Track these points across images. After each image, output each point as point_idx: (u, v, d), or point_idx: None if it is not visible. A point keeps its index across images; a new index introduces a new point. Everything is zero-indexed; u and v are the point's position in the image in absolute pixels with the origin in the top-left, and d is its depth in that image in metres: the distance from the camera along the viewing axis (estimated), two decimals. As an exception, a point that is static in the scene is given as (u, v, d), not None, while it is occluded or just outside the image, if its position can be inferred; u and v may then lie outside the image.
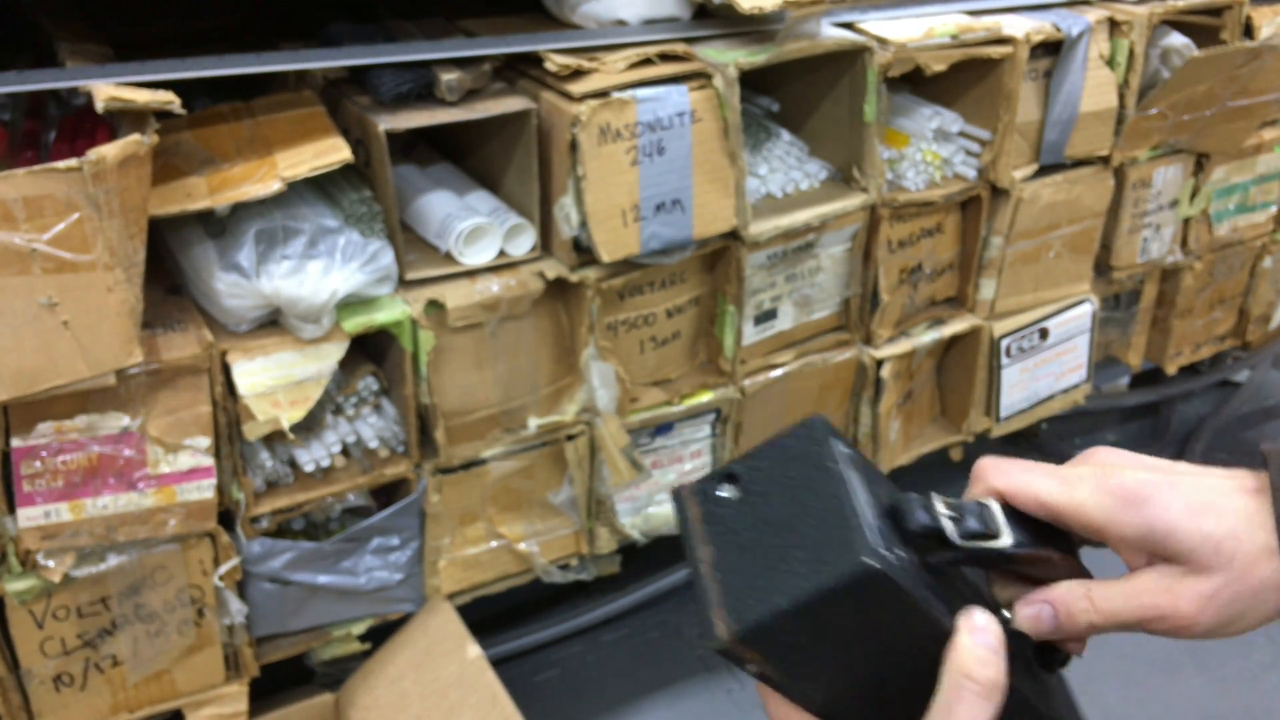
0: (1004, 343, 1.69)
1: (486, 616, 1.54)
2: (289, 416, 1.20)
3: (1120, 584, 0.56)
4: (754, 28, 1.38)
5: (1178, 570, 0.54)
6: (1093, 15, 1.54)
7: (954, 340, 1.68)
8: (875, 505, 0.53)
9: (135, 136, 1.03)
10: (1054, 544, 0.57)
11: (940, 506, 0.54)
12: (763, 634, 0.50)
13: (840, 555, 0.49)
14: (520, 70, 1.34)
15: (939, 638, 0.52)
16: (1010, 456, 0.59)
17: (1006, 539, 0.55)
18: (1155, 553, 0.55)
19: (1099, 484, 0.55)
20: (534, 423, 1.39)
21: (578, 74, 1.27)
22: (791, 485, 0.53)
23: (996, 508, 0.56)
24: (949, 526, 0.53)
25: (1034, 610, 0.57)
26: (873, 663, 0.53)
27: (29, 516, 1.14)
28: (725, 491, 0.54)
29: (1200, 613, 0.53)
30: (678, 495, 0.56)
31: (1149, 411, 2.27)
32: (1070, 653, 0.59)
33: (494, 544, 1.46)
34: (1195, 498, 0.53)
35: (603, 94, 1.24)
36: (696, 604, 0.52)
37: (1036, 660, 0.59)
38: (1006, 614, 0.57)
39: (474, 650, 1.34)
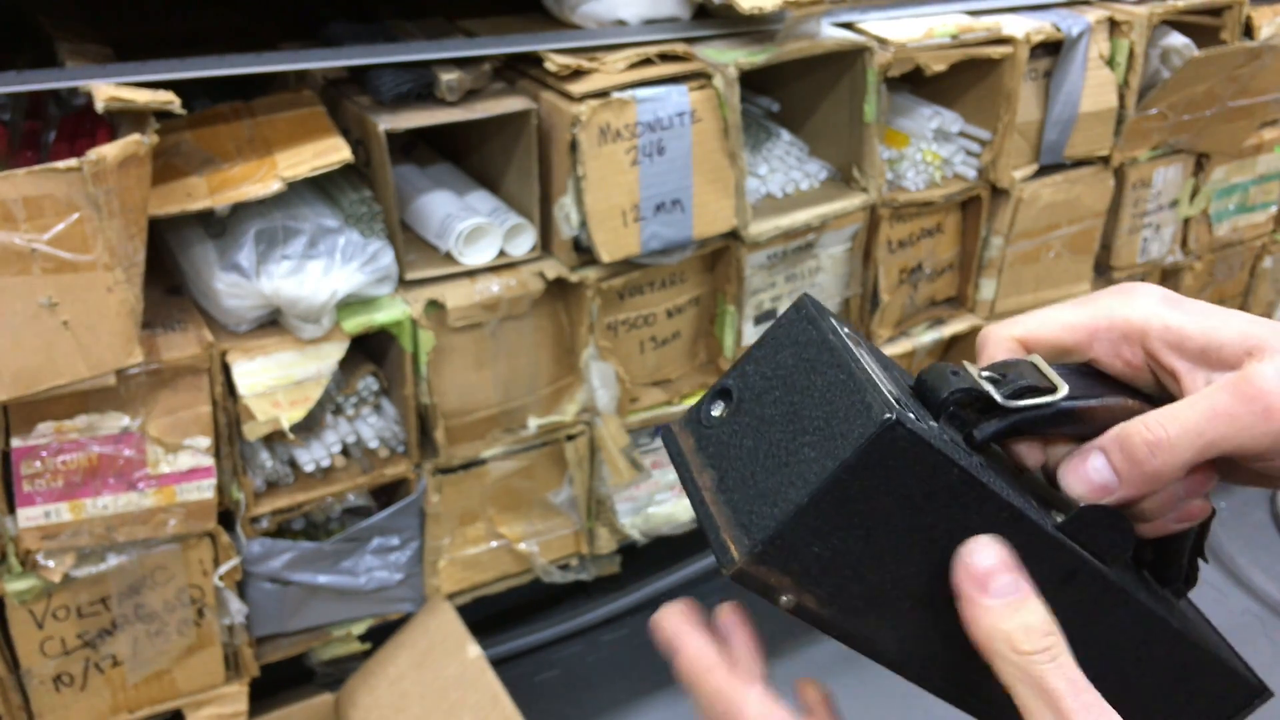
0: (1004, 343, 1.69)
1: (486, 616, 1.54)
2: (289, 416, 1.20)
3: (1183, 400, 0.44)
4: (754, 28, 1.38)
5: (1241, 366, 0.43)
6: (1093, 15, 1.54)
7: (954, 340, 1.68)
8: (895, 380, 0.44)
9: (135, 136, 1.03)
10: (1122, 390, 0.46)
11: (974, 371, 0.45)
12: (783, 544, 0.41)
13: (855, 425, 0.40)
14: (520, 70, 1.34)
15: (1006, 516, 0.42)
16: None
17: (1063, 389, 0.44)
18: (1202, 358, 0.44)
19: (1127, 291, 0.47)
20: (534, 423, 1.39)
21: (578, 74, 1.27)
22: (789, 375, 0.44)
23: (1040, 360, 0.45)
24: (990, 388, 0.44)
25: (1084, 466, 0.44)
26: (933, 569, 0.42)
27: (29, 516, 1.14)
28: (717, 410, 0.46)
29: None
30: (669, 434, 0.48)
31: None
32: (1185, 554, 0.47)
33: (494, 544, 1.46)
34: (1230, 313, 0.45)
35: (603, 94, 1.24)
36: (708, 538, 0.43)
37: (1152, 571, 0.48)
38: (1058, 517, 0.44)
39: (474, 650, 1.34)
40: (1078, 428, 0.46)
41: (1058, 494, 0.45)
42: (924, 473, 0.41)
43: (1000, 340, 0.47)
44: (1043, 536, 0.43)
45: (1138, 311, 0.46)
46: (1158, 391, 0.47)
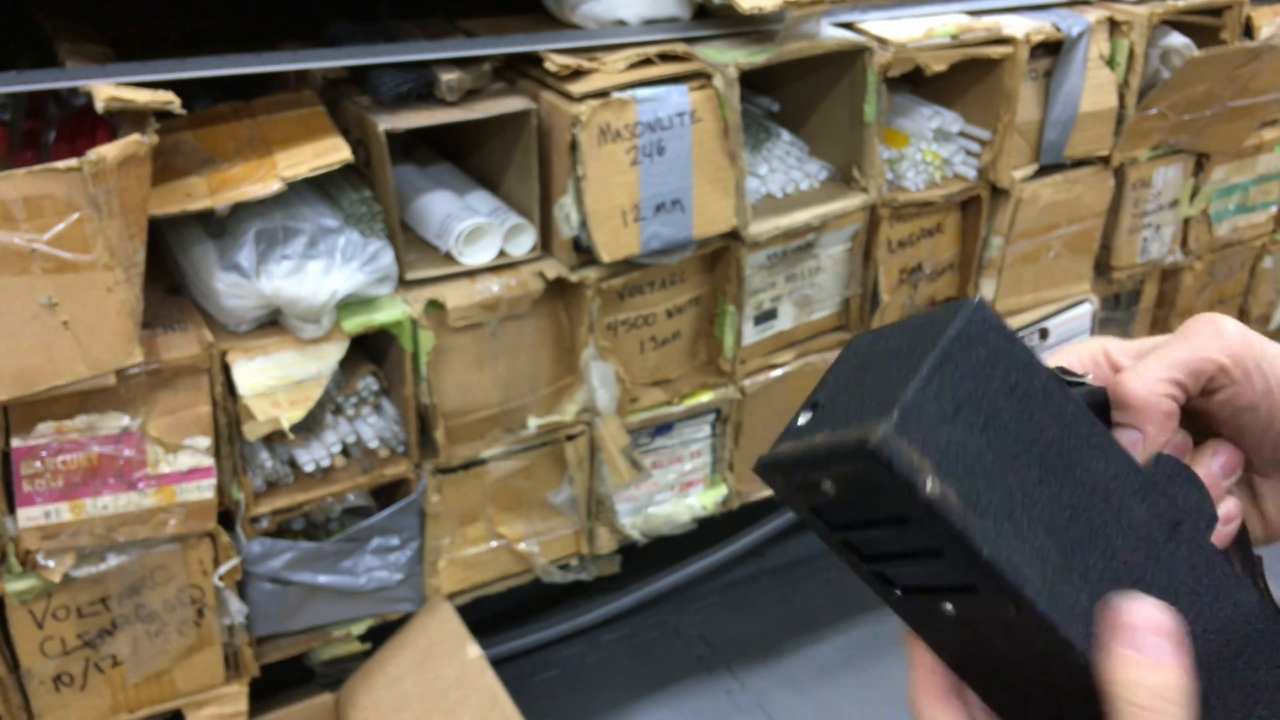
0: (1004, 343, 1.69)
1: (486, 616, 1.54)
2: (289, 416, 1.20)
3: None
4: (754, 28, 1.38)
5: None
6: (1093, 15, 1.54)
7: (954, 340, 1.68)
8: None
9: (135, 136, 1.03)
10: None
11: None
12: (916, 416, 0.41)
13: (944, 324, 0.43)
14: (520, 70, 1.34)
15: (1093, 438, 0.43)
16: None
17: (1089, 375, 0.48)
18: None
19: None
20: (534, 423, 1.39)
21: (578, 74, 1.27)
22: (869, 353, 0.46)
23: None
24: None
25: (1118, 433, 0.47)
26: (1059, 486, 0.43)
27: (29, 516, 1.14)
28: (804, 419, 0.45)
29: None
30: (767, 468, 0.46)
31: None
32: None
33: (494, 544, 1.46)
34: None
35: (603, 94, 1.24)
36: (832, 451, 0.42)
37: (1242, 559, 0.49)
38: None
39: (474, 650, 1.34)
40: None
41: None
42: (1014, 365, 0.43)
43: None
44: (1137, 474, 0.45)
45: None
46: None
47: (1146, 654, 0.41)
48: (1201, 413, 0.49)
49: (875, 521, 0.44)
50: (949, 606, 0.44)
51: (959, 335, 0.42)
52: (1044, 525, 0.43)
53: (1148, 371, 0.47)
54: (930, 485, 0.41)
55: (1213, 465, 0.48)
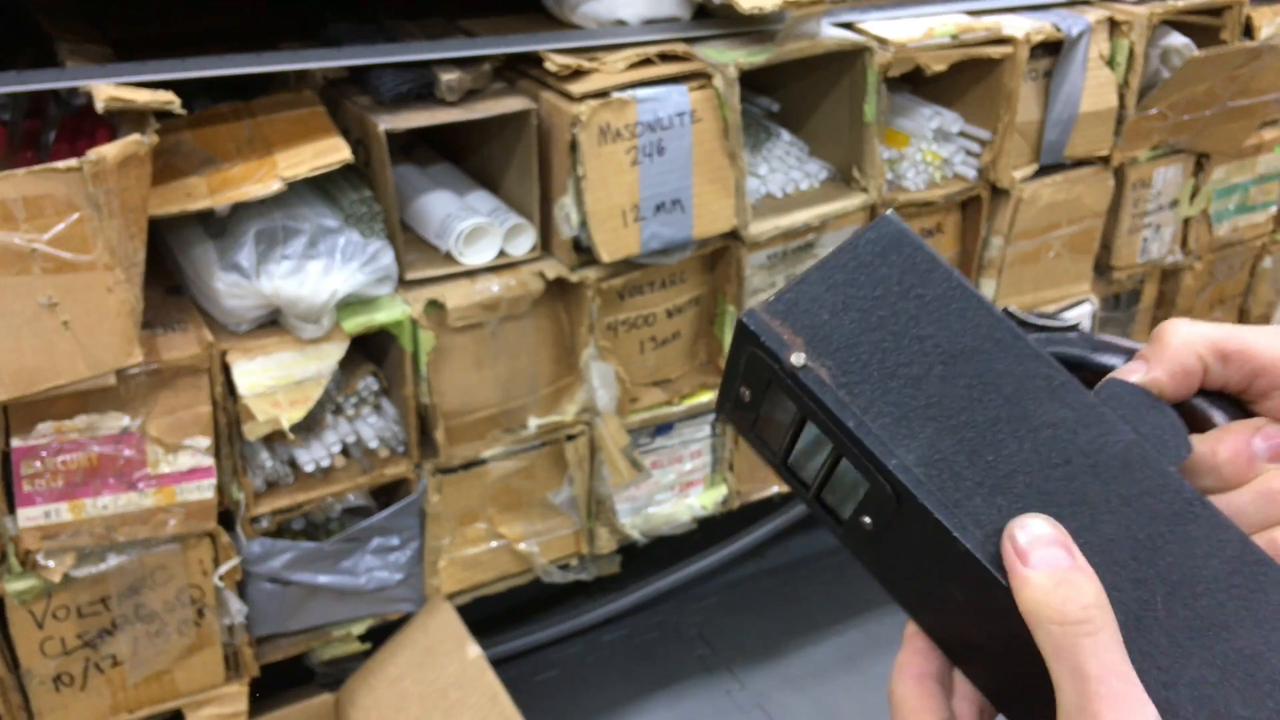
0: (1004, 343, 1.69)
1: (486, 616, 1.54)
2: (289, 416, 1.20)
3: None
4: (754, 28, 1.38)
5: None
6: (1093, 15, 1.54)
7: (954, 340, 1.68)
8: None
9: (135, 136, 1.03)
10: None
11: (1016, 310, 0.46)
12: (793, 300, 0.43)
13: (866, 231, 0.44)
14: (520, 70, 1.34)
15: (1002, 339, 0.42)
16: None
17: (1081, 323, 0.45)
18: None
19: None
20: (534, 423, 1.39)
21: (578, 74, 1.27)
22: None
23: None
24: (1014, 309, 0.45)
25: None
26: (947, 391, 0.42)
27: (29, 516, 1.14)
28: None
29: None
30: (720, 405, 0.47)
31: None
32: None
33: (494, 544, 1.46)
34: None
35: (603, 94, 1.24)
36: (730, 354, 0.45)
37: None
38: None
39: (474, 650, 1.34)
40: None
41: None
42: (920, 273, 0.44)
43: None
44: (1050, 376, 0.42)
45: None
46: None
47: (1049, 567, 0.39)
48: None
49: (775, 412, 0.45)
50: (866, 520, 0.43)
51: (860, 242, 0.44)
52: (935, 420, 0.42)
53: (1190, 326, 0.43)
54: (795, 358, 0.43)
55: (1253, 441, 0.42)
